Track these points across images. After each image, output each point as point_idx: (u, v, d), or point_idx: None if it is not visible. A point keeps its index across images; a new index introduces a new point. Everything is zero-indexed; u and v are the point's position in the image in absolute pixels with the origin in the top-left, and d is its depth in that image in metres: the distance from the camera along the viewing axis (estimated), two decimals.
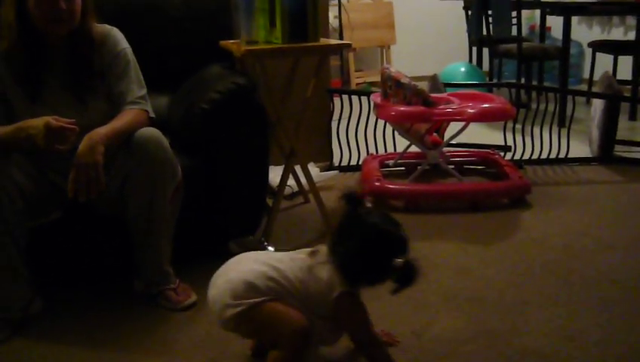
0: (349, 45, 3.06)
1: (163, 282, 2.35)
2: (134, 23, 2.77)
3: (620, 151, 4.13)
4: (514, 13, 5.42)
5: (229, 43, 2.85)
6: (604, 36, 6.50)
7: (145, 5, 2.95)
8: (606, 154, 4.05)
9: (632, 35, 5.47)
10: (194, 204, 2.42)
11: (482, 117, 3.39)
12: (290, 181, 3.18)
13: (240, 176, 2.58)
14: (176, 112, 2.67)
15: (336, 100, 4.01)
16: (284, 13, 2.65)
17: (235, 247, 2.73)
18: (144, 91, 2.37)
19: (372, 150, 3.98)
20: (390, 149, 4.02)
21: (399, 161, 3.84)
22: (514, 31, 5.46)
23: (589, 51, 6.03)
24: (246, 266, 1.86)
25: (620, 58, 5.62)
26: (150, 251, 2.31)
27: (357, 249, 1.77)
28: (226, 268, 1.91)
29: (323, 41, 2.83)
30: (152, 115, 2.35)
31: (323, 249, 1.87)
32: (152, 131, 2.21)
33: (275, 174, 3.06)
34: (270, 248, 2.77)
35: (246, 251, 2.67)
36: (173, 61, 2.92)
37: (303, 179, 3.17)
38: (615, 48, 5.64)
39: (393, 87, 3.35)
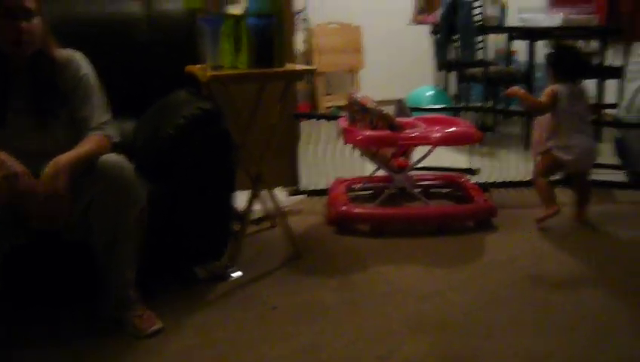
0: (313, 71, 3.08)
1: (127, 308, 2.33)
2: (100, 46, 2.75)
3: None
4: (480, 38, 5.49)
5: (195, 68, 2.85)
6: None
7: (111, 29, 2.94)
8: (568, 176, 4.09)
9: (596, 59, 5.55)
10: (159, 229, 2.41)
11: (448, 141, 3.43)
12: (257, 206, 3.17)
13: (205, 201, 2.56)
14: (141, 137, 2.66)
15: (304, 124, 4.02)
16: (249, 39, 2.66)
17: (202, 273, 2.73)
18: (108, 116, 2.37)
19: (339, 174, 3.99)
20: (357, 173, 4.02)
21: (366, 185, 3.85)
22: (480, 55, 5.53)
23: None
24: None
25: (585, 82, 5.69)
26: (114, 277, 2.30)
27: None
28: None
29: (289, 66, 2.84)
30: (116, 139, 2.35)
31: None
32: (116, 157, 2.20)
33: (241, 199, 3.05)
34: (237, 273, 2.76)
35: (212, 277, 2.68)
36: (139, 85, 2.91)
37: (270, 204, 3.16)
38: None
39: (359, 112, 3.37)
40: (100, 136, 2.29)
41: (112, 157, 2.20)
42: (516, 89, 3.53)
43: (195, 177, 2.51)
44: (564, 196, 3.78)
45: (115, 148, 2.31)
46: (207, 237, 2.67)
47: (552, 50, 3.55)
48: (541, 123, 3.50)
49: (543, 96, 3.39)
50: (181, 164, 2.47)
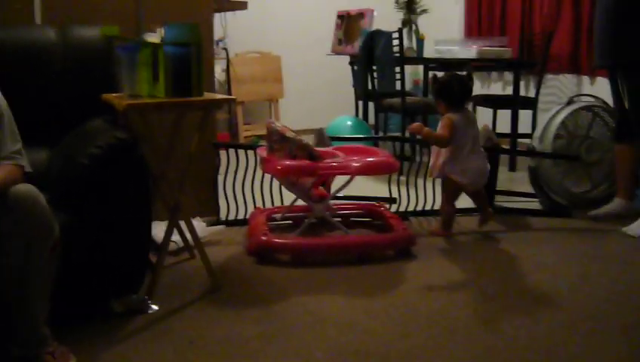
0: (232, 100, 3.06)
1: (39, 345, 2.24)
2: (12, 73, 2.69)
3: (500, 201, 4.27)
4: (398, 69, 5.58)
5: (111, 96, 2.80)
6: (484, 91, 6.75)
7: (25, 56, 2.87)
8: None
9: (510, 90, 5.71)
10: (73, 261, 2.33)
11: (367, 170, 3.46)
12: (175, 236, 3.12)
13: (122, 233, 2.51)
14: (55, 167, 2.59)
15: (224, 154, 4.00)
16: (167, 68, 2.63)
17: (118, 307, 2.65)
18: (19, 145, 2.30)
19: (259, 204, 3.97)
20: (277, 203, 4.01)
21: (286, 215, 3.84)
22: (399, 85, 5.61)
23: (470, 105, 6.25)
24: None
25: (499, 112, 5.85)
26: (26, 313, 2.20)
27: None
28: None
29: (207, 95, 2.82)
30: (29, 169, 2.28)
31: None
32: (27, 188, 2.13)
33: (159, 229, 3.00)
34: (154, 307, 2.70)
35: (129, 310, 2.61)
36: (54, 114, 2.84)
37: (188, 235, 3.11)
38: (494, 103, 5.87)
39: (278, 141, 3.37)
40: (12, 166, 2.22)
41: (23, 188, 2.12)
42: (418, 126, 3.63)
43: (110, 208, 2.46)
44: (478, 224, 3.86)
45: (28, 178, 2.23)
46: (124, 270, 2.61)
47: (440, 83, 3.66)
48: (436, 148, 3.68)
49: (442, 129, 3.56)
50: (96, 194, 2.42)
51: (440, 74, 3.81)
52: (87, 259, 2.44)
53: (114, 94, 2.84)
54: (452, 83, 3.64)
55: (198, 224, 3.51)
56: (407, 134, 4.90)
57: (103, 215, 2.45)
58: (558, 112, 4.32)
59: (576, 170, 4.30)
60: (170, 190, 2.88)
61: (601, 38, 3.87)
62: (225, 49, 6.54)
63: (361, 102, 6.34)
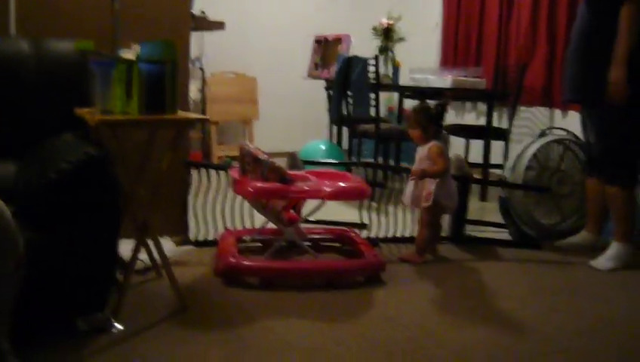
0: (206, 119, 3.04)
1: None
2: None
3: (470, 230, 4.28)
4: (373, 95, 5.60)
5: (84, 111, 2.77)
6: (458, 120, 6.80)
7: None
8: (457, 233, 4.19)
9: (483, 120, 5.75)
10: (37, 277, 2.29)
11: (338, 195, 3.45)
12: (143, 255, 3.08)
13: (88, 250, 2.46)
14: (22, 181, 2.55)
15: (197, 173, 3.97)
16: (141, 85, 2.61)
17: (83, 325, 2.61)
18: None
19: (229, 225, 3.95)
20: (248, 225, 3.98)
21: (256, 237, 3.82)
22: (373, 112, 5.63)
23: (443, 134, 6.28)
24: None
25: (472, 142, 5.89)
26: None
27: None
28: None
29: (181, 114, 2.80)
30: None
31: None
32: None
33: (127, 248, 2.96)
34: (119, 326, 2.65)
35: (94, 329, 2.57)
36: (24, 127, 2.81)
37: (156, 254, 3.07)
38: (467, 132, 5.91)
39: (251, 163, 3.35)
40: None
41: None
42: (419, 171, 3.65)
43: (78, 224, 2.42)
44: (448, 253, 3.87)
45: None
46: (90, 287, 2.56)
47: (430, 111, 3.70)
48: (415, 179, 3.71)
49: (438, 158, 3.63)
50: (64, 210, 2.38)
51: (414, 102, 3.85)
52: (52, 276, 2.39)
53: (86, 109, 2.81)
54: (441, 111, 3.73)
55: (167, 243, 3.47)
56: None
57: (71, 231, 2.41)
58: (530, 144, 4.35)
59: (547, 202, 4.33)
60: (139, 208, 2.85)
61: (570, 73, 3.91)
62: (201, 68, 6.53)
63: (335, 127, 6.35)
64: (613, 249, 3.81)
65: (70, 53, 2.95)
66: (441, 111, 3.73)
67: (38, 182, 2.37)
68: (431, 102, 3.81)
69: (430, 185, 3.62)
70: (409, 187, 3.75)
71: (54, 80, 2.90)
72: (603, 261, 3.78)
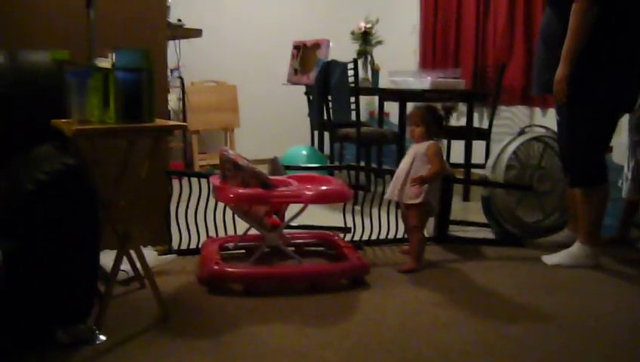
0: (184, 127, 3.03)
1: None
2: None
3: (454, 230, 4.29)
4: (353, 99, 5.60)
5: (60, 122, 2.75)
6: None
7: None
8: (441, 234, 4.20)
9: (464, 121, 5.77)
10: (17, 289, 2.27)
11: (320, 199, 3.44)
12: (125, 265, 3.06)
13: (68, 261, 2.44)
14: None
15: (179, 182, 3.96)
16: (117, 93, 2.59)
17: (64, 337, 2.58)
18: None
19: (212, 233, 3.93)
20: (231, 232, 3.97)
21: (239, 244, 3.80)
22: (354, 116, 5.63)
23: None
24: None
25: (453, 142, 5.90)
26: None
27: None
28: None
29: (159, 122, 2.78)
30: None
31: None
32: None
33: (109, 258, 2.94)
34: (102, 337, 2.63)
35: (76, 341, 2.54)
36: (1, 139, 2.78)
37: (138, 264, 3.05)
38: (448, 133, 5.90)
39: (232, 170, 3.34)
40: None
41: None
42: (419, 179, 3.62)
43: (56, 235, 2.39)
44: (432, 253, 3.87)
45: None
46: (70, 299, 2.54)
47: (431, 110, 3.71)
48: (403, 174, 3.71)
49: (435, 157, 3.65)
50: (42, 221, 2.36)
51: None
52: (31, 287, 2.37)
53: (63, 120, 2.79)
54: (446, 114, 3.79)
55: (149, 253, 3.45)
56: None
57: (49, 242, 2.39)
58: (509, 143, 4.37)
59: (529, 199, 4.34)
60: (120, 218, 2.83)
61: (538, 67, 3.91)
62: (180, 78, 6.51)
63: (317, 132, 6.35)
64: (573, 247, 3.82)
65: (46, 63, 2.93)
66: (446, 113, 3.77)
67: (15, 193, 2.35)
68: (437, 105, 3.81)
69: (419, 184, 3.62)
70: (395, 181, 3.73)
71: (31, 91, 2.88)
72: (553, 255, 3.84)
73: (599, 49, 3.55)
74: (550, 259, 3.81)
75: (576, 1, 3.48)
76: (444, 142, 3.81)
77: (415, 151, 3.69)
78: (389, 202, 4.04)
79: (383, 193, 3.87)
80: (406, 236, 3.92)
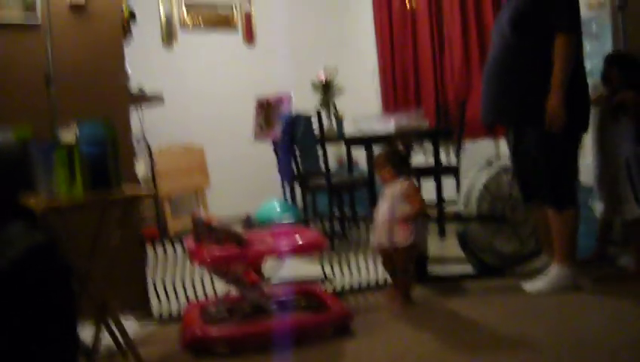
0: (153, 195, 3.03)
1: None
2: None
3: (434, 269, 4.29)
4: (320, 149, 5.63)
5: (29, 199, 2.73)
6: None
7: None
8: (421, 273, 4.20)
9: (432, 159, 5.82)
10: None
11: (295, 250, 3.43)
12: (106, 337, 3.01)
13: (44, 341, 2.40)
14: None
15: (154, 249, 3.94)
16: (83, 167, 2.60)
17: None
18: None
19: (192, 296, 3.89)
20: (211, 293, 3.93)
21: (221, 306, 3.76)
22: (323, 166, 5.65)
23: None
24: None
25: (424, 181, 5.93)
26: None
27: None
28: None
29: (128, 188, 2.78)
30: None
31: None
32: None
33: (88, 331, 2.90)
34: None
35: None
36: None
37: (119, 334, 3.01)
38: (417, 172, 5.95)
39: (205, 232, 3.33)
40: None
41: None
42: (406, 217, 3.66)
43: (30, 316, 2.36)
44: (414, 294, 3.87)
45: None
46: None
47: (393, 150, 3.76)
48: (384, 220, 3.71)
49: (416, 196, 3.75)
50: (14, 302, 2.32)
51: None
52: None
53: (32, 196, 2.77)
54: (407, 150, 3.87)
55: (130, 323, 3.41)
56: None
57: (23, 324, 2.35)
58: (478, 175, 4.41)
59: (505, 229, 4.37)
60: (96, 288, 2.80)
61: (489, 94, 3.97)
62: (147, 145, 6.50)
63: (287, 185, 6.35)
64: (551, 269, 3.86)
65: (9, 140, 2.92)
66: (407, 148, 3.85)
67: None
68: (397, 143, 3.91)
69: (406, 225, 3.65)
70: (380, 227, 3.74)
71: None
72: (533, 281, 3.85)
73: (578, 75, 3.73)
74: (531, 285, 3.83)
75: (566, 33, 3.64)
76: (415, 181, 3.81)
77: (390, 193, 3.73)
78: (366, 248, 4.04)
79: (359, 239, 3.89)
80: (387, 280, 3.92)
